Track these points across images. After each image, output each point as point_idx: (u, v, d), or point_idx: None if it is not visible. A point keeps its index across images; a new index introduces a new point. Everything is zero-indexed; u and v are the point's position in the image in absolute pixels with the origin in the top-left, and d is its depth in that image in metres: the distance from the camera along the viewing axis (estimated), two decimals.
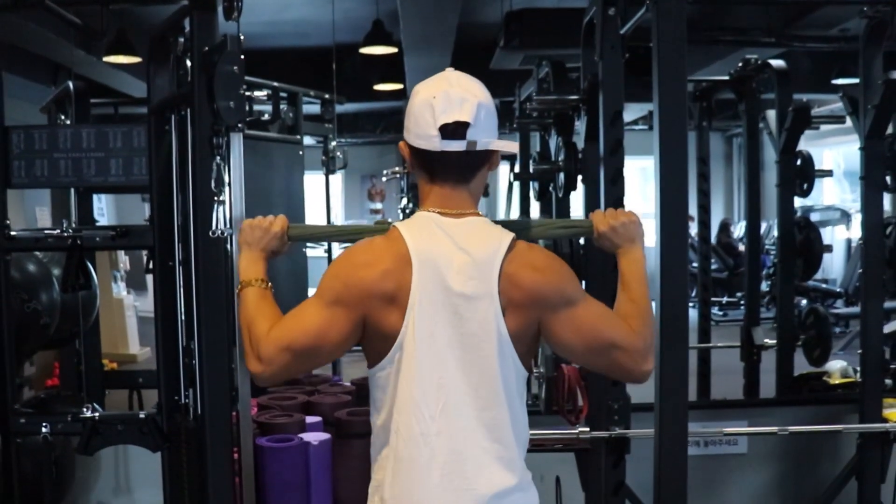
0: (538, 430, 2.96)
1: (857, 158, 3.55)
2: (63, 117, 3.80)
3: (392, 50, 7.12)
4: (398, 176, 9.08)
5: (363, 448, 3.38)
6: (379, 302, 1.69)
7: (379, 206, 14.25)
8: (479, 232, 1.73)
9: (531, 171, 4.29)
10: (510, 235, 1.74)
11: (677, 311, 2.39)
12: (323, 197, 5.18)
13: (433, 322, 1.67)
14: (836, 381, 4.49)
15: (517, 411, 1.73)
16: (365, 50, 6.86)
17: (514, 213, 5.60)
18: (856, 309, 7.94)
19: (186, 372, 2.98)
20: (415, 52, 7.24)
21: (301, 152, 4.47)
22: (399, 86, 8.87)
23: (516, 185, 5.12)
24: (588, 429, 2.98)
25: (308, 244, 4.69)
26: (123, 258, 8.22)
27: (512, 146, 1.80)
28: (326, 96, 4.72)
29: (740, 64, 4.79)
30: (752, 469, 4.04)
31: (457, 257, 1.69)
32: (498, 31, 6.90)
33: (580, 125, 3.47)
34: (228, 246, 2.52)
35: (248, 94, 2.64)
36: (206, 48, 2.67)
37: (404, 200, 9.25)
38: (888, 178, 3.48)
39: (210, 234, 2.42)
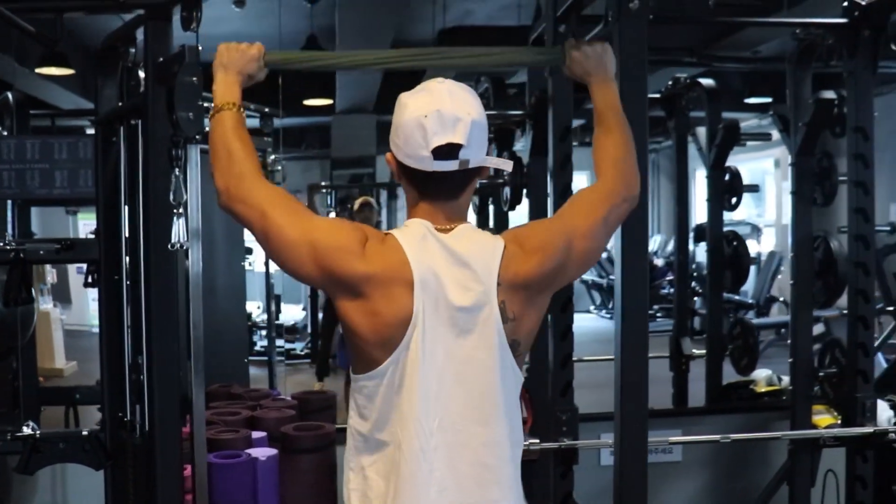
0: None
1: (755, 175, 3.68)
2: (0, 129, 3.71)
3: None
4: (324, 191, 9.06)
5: (311, 463, 3.42)
6: (350, 294, 1.66)
7: None
8: (472, 241, 1.73)
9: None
10: (501, 240, 1.75)
11: (638, 323, 2.46)
12: None
13: (434, 336, 1.65)
14: (762, 390, 4.64)
15: (514, 423, 1.74)
16: None
17: None
18: (769, 319, 8.22)
19: (133, 387, 2.93)
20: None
21: None
22: (328, 101, 8.86)
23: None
24: (538, 440, 3.03)
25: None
26: (50, 271, 8.02)
27: (506, 164, 1.81)
28: (266, 110, 4.70)
29: (670, 82, 4.94)
30: (688, 477, 4.15)
31: (455, 270, 1.68)
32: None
33: (524, 141, 3.53)
34: (188, 259, 2.51)
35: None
36: (161, 59, 2.66)
37: (332, 215, 9.25)
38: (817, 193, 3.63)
39: (169, 246, 2.39)
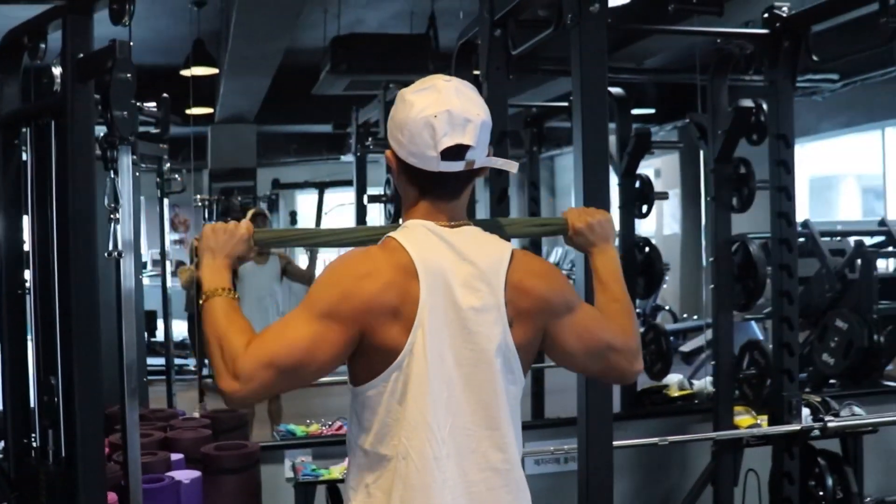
0: None
1: None
2: None
3: (213, 71, 6.88)
4: (204, 204, 8.75)
5: (235, 484, 3.25)
6: (379, 317, 1.56)
7: (181, 236, 13.64)
8: (478, 241, 1.66)
9: (386, 194, 4.26)
10: (509, 244, 1.69)
11: None
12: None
13: (441, 339, 1.57)
14: (676, 394, 4.71)
15: (518, 427, 1.68)
16: (186, 72, 6.58)
17: None
18: (682, 325, 8.37)
19: (45, 411, 2.70)
20: (235, 75, 7.04)
21: (137, 174, 4.21)
22: (209, 110, 8.58)
23: (371, 207, 5.05)
24: None
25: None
26: None
27: (511, 166, 1.73)
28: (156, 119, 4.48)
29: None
30: None
31: (462, 268, 1.60)
32: (322, 56, 6.83)
33: None
34: (122, 267, 2.33)
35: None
36: (83, 55, 2.47)
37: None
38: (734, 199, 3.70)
39: (106, 255, 2.20)
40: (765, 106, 3.43)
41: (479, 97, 1.65)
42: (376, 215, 5.33)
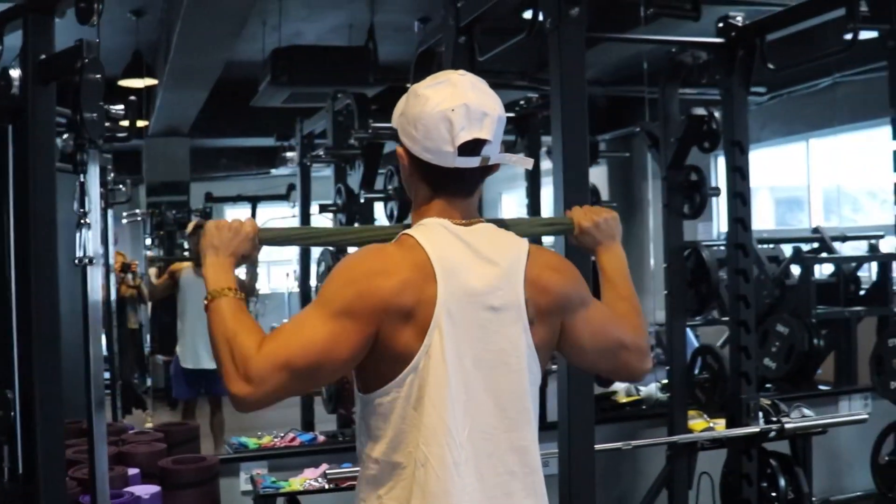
0: None
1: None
2: None
3: (152, 82, 6.76)
4: (139, 219, 8.55)
5: (194, 498, 3.17)
6: (394, 318, 1.50)
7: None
8: (495, 239, 1.62)
9: (337, 203, 4.23)
10: (525, 241, 1.65)
11: None
12: None
13: (459, 340, 1.52)
14: (624, 400, 4.77)
15: (536, 429, 1.63)
16: (123, 82, 6.45)
17: None
18: None
19: (0, 427, 2.61)
20: (174, 87, 6.92)
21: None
22: (143, 123, 8.40)
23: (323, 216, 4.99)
24: None
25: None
26: None
27: (526, 162, 1.72)
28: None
29: (522, 102, 5.02)
30: None
31: (480, 267, 1.56)
32: (261, 68, 6.77)
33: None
34: (89, 276, 2.25)
35: None
36: (45, 56, 2.40)
37: (148, 240, 8.73)
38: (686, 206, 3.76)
39: (76, 262, 2.12)
40: (717, 114, 3.50)
41: (493, 92, 1.61)
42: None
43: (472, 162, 1.56)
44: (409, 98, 1.59)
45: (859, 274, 5.38)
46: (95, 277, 2.33)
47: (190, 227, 5.88)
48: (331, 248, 3.99)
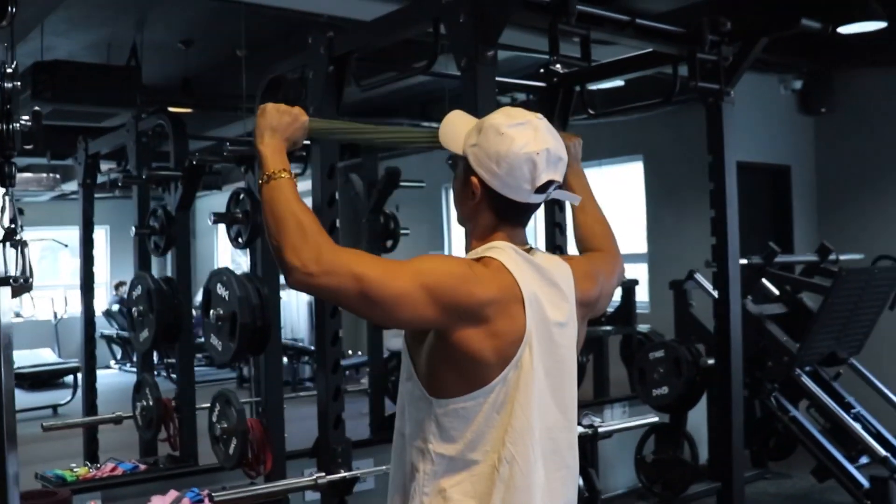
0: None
1: None
2: None
3: None
4: None
5: None
6: (472, 322, 1.63)
7: None
8: (552, 262, 1.79)
9: (152, 226, 4.15)
10: (563, 261, 1.84)
11: None
12: None
13: (539, 353, 1.69)
14: None
15: None
16: None
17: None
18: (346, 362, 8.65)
19: None
20: None
21: None
22: None
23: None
24: (323, 473, 3.04)
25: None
26: None
27: (575, 199, 1.93)
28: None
29: None
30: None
31: (548, 289, 1.73)
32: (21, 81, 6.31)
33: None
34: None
35: None
36: None
37: None
38: None
39: (11, 282, 2.01)
40: None
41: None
42: None
43: (541, 198, 1.74)
44: (491, 135, 1.71)
45: None
46: (4, 301, 2.18)
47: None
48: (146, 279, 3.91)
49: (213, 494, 2.85)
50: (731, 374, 3.23)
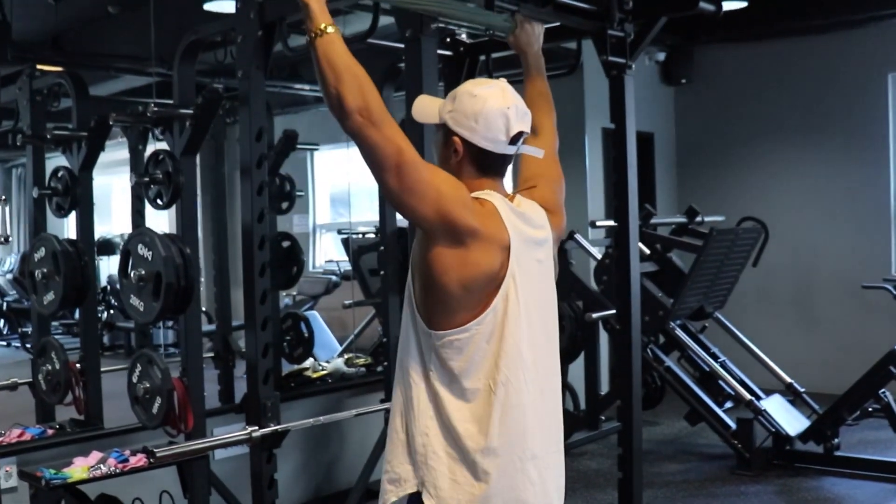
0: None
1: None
2: None
3: None
4: None
5: None
6: (452, 242, 1.83)
7: None
8: (531, 207, 2.03)
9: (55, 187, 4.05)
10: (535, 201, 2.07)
11: None
12: None
13: (524, 285, 1.91)
14: (316, 375, 5.12)
15: None
16: None
17: None
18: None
19: None
20: None
21: None
22: None
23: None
24: (257, 427, 3.14)
25: None
26: None
27: (539, 152, 2.10)
28: None
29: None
30: (284, 461, 4.42)
31: (530, 231, 1.97)
32: None
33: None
34: None
35: None
36: None
37: None
38: None
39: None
40: None
41: None
42: None
43: (513, 149, 1.97)
44: (465, 97, 1.93)
45: None
46: None
47: None
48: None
49: (154, 450, 2.91)
50: (631, 323, 3.50)
